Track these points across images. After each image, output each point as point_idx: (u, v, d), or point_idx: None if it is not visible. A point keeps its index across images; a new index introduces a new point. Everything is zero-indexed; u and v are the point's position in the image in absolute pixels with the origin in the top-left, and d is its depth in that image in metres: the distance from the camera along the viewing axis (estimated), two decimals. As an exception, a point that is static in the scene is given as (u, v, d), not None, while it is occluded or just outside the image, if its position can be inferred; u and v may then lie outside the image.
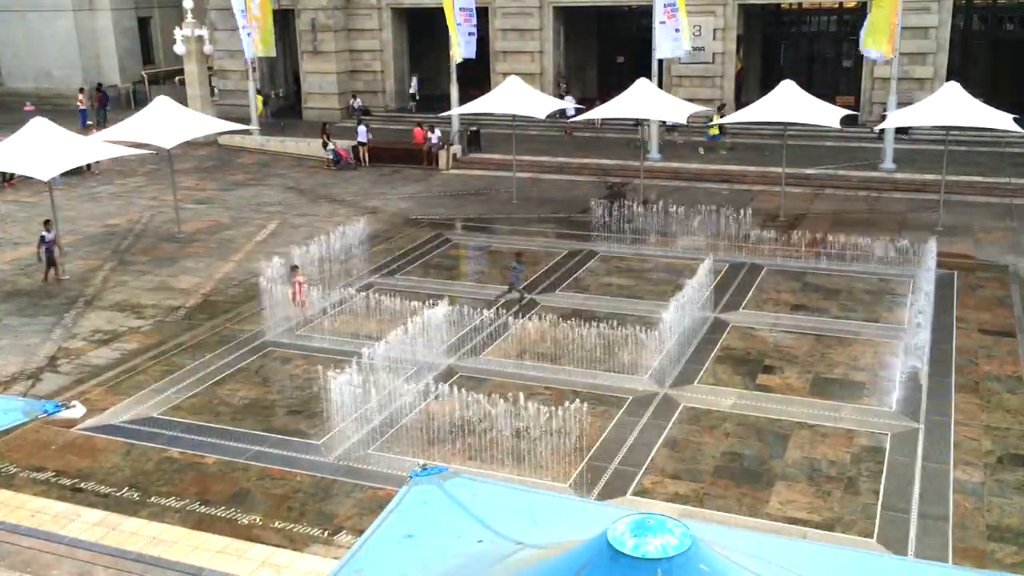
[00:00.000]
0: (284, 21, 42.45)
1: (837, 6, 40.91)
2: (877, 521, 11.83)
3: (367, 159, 34.14)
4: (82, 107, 41.62)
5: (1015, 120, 24.00)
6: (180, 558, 11.35)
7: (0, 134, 25.36)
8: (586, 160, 32.82)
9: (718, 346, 17.42)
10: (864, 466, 13.10)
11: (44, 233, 21.57)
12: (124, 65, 48.26)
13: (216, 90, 42.92)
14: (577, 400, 13.66)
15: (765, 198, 27.86)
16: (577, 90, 40.35)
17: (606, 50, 43.50)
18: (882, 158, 30.24)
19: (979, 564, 10.95)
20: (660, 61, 31.90)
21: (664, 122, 31.56)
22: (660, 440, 13.94)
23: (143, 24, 49.69)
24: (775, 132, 29.09)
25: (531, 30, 39.34)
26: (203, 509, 12.41)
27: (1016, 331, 17.95)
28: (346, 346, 17.50)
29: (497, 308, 18.78)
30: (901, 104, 29.19)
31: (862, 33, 29.13)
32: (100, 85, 44.69)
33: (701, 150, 33.14)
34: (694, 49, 36.23)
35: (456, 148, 34.13)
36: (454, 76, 33.66)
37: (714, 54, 36.86)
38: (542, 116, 28.98)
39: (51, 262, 21.65)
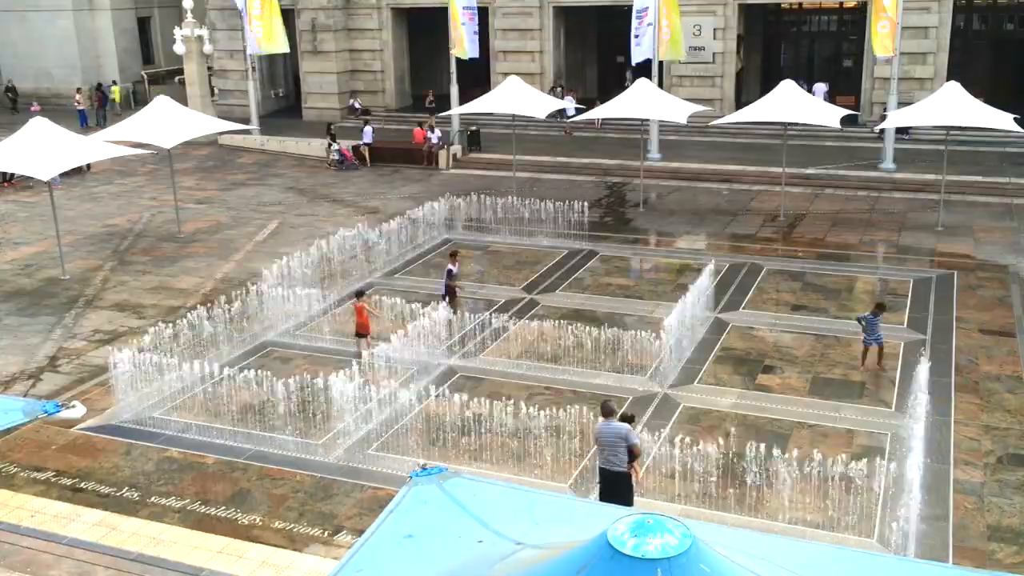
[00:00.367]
0: (284, 21, 42.40)
1: (837, 6, 40.88)
2: (877, 521, 11.83)
3: (368, 159, 34.13)
4: (80, 107, 41.62)
5: (1015, 120, 24.00)
6: (180, 558, 11.35)
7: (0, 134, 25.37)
8: (586, 160, 32.83)
9: (718, 346, 17.42)
10: (864, 466, 13.08)
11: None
12: (124, 65, 48.26)
13: (216, 90, 42.94)
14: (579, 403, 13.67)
15: (765, 198, 27.87)
16: (577, 90, 40.33)
17: (606, 50, 43.50)
18: (882, 158, 30.24)
19: (979, 564, 10.94)
20: (660, 62, 31.93)
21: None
22: (660, 440, 13.92)
23: (143, 24, 49.69)
24: (775, 132, 29.08)
25: (531, 30, 39.35)
26: (203, 509, 12.41)
27: (1016, 331, 17.94)
28: (346, 346, 17.50)
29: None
30: (901, 104, 29.19)
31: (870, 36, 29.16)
32: (100, 85, 44.71)
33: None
34: (694, 49, 36.31)
35: (456, 148, 34.14)
36: (454, 76, 33.67)
37: (714, 54, 36.86)
38: (542, 116, 29.01)
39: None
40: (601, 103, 29.99)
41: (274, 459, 13.65)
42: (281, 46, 36.50)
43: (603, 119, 32.45)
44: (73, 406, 10.65)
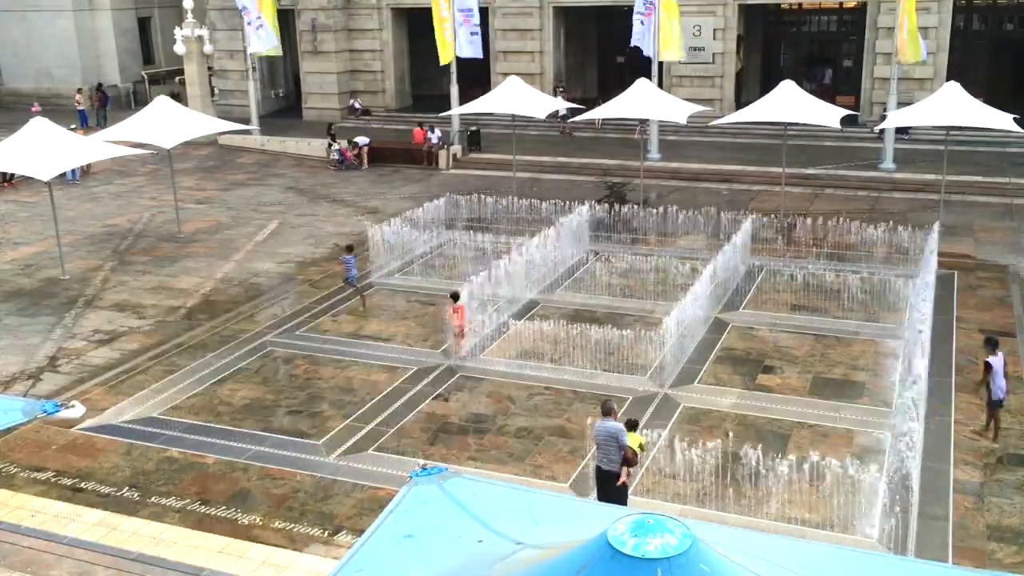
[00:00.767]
0: (284, 21, 42.44)
1: (837, 6, 40.88)
2: (877, 521, 11.83)
3: (367, 160, 34.10)
4: (80, 107, 41.63)
5: (1015, 120, 24.00)
6: (180, 558, 11.35)
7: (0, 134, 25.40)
8: (586, 160, 32.82)
9: (718, 346, 17.43)
10: (864, 466, 13.08)
11: None
12: (124, 65, 48.26)
13: (216, 90, 42.94)
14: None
15: (765, 198, 27.85)
16: (578, 90, 40.35)
17: (606, 50, 43.50)
18: (882, 158, 30.24)
19: (979, 564, 10.94)
20: (660, 62, 31.93)
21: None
22: (660, 440, 13.93)
23: (143, 24, 49.67)
24: (775, 132, 29.08)
25: (531, 30, 39.34)
26: (203, 509, 12.41)
27: (1016, 331, 17.94)
28: (347, 346, 17.52)
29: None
30: (901, 104, 29.19)
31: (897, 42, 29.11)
32: (100, 85, 44.70)
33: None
34: (694, 49, 36.30)
35: (456, 148, 34.13)
36: (454, 76, 33.67)
37: (714, 54, 36.85)
38: (542, 116, 29.02)
39: None
40: (601, 103, 29.98)
41: (272, 459, 13.64)
42: (275, 49, 36.66)
43: (603, 119, 32.44)
44: (72, 406, 10.65)
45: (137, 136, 25.19)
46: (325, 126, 36.12)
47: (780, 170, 27.07)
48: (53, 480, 13.12)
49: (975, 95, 25.09)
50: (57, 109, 42.25)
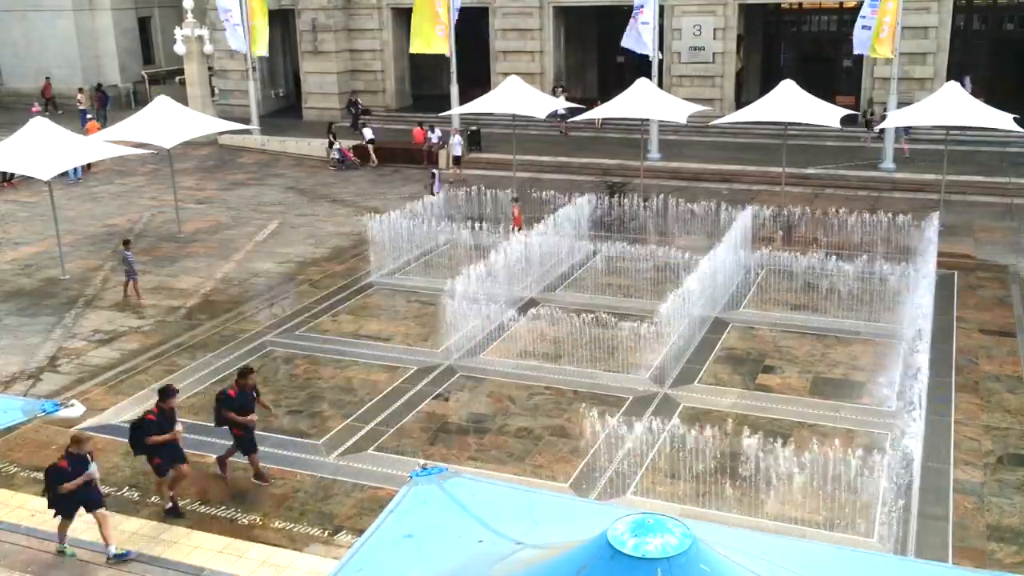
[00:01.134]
0: (284, 21, 42.48)
1: (837, 6, 40.88)
2: (877, 521, 11.83)
3: (375, 157, 34.06)
4: (82, 107, 41.65)
5: (1015, 120, 23.99)
6: (180, 558, 11.35)
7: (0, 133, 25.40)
8: (586, 160, 32.82)
9: (718, 346, 17.42)
10: (864, 466, 13.08)
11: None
12: (124, 65, 48.25)
13: (216, 90, 42.94)
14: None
15: (765, 198, 27.82)
16: (578, 90, 40.33)
17: (606, 50, 43.49)
18: (882, 158, 30.24)
19: (979, 564, 10.94)
20: (660, 61, 31.96)
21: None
22: (660, 439, 13.93)
23: (143, 24, 49.66)
24: (775, 132, 29.08)
25: (531, 30, 39.33)
26: (203, 509, 12.41)
27: (1016, 331, 17.95)
28: (347, 346, 17.51)
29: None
30: (901, 104, 29.18)
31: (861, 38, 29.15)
32: (100, 85, 44.70)
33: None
34: (694, 49, 36.30)
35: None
36: (454, 76, 33.66)
37: (714, 54, 36.84)
38: (542, 116, 29.02)
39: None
40: (601, 103, 29.98)
41: (272, 458, 13.62)
42: (262, 49, 36.74)
43: (603, 119, 32.44)
44: (72, 405, 10.67)
45: (137, 136, 25.19)
46: (325, 126, 36.13)
47: (780, 170, 27.07)
48: (53, 480, 13.10)
49: (975, 95, 25.07)
50: (58, 109, 42.25)
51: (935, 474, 12.88)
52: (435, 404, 15.32)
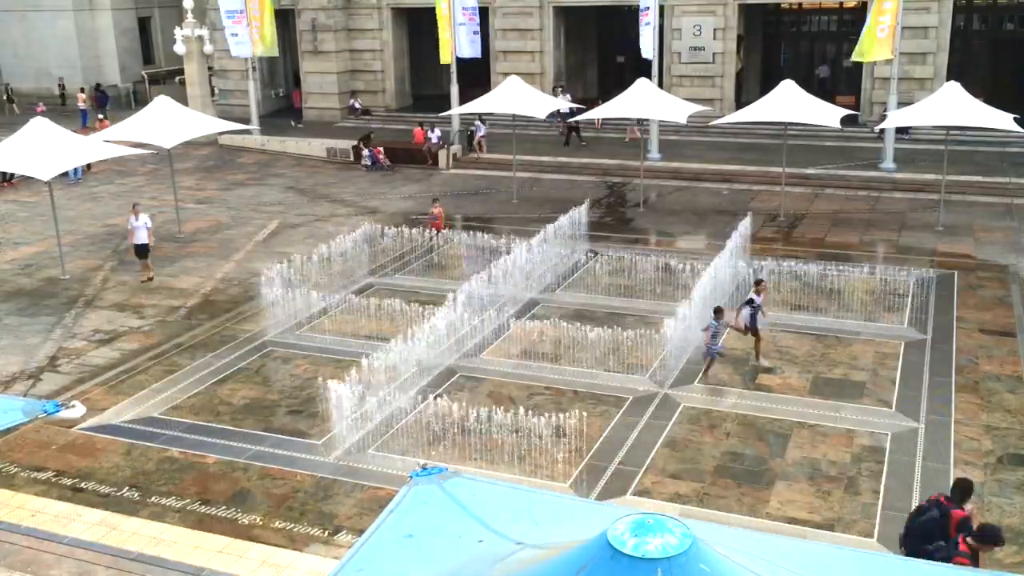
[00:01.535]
0: (284, 21, 42.47)
1: (837, 6, 40.90)
2: (877, 521, 11.83)
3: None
4: (82, 107, 41.70)
5: (1015, 120, 23.99)
6: (180, 558, 11.35)
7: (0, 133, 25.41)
8: (586, 160, 32.83)
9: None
10: (864, 466, 13.10)
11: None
12: (124, 65, 48.27)
13: (216, 90, 42.95)
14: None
15: (765, 198, 27.86)
16: (578, 90, 40.33)
17: (606, 50, 43.50)
18: (882, 158, 30.23)
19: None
20: (660, 61, 31.96)
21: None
22: (660, 440, 13.95)
23: (143, 24, 49.69)
24: (775, 132, 29.08)
25: (531, 30, 39.34)
26: (203, 509, 12.41)
27: (1016, 331, 17.94)
28: (346, 347, 17.50)
29: None
30: (901, 104, 29.18)
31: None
32: (99, 85, 44.72)
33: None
34: (694, 49, 36.28)
35: (456, 148, 34.13)
36: (454, 76, 33.66)
37: (714, 54, 36.85)
38: (542, 116, 29.02)
39: None
40: (601, 103, 29.99)
41: (272, 458, 13.62)
42: (272, 50, 36.74)
43: (603, 119, 32.43)
44: (73, 406, 10.65)
45: (137, 136, 25.18)
46: (325, 126, 36.02)
47: (780, 170, 27.07)
48: (53, 480, 13.12)
49: (975, 95, 25.06)
50: (57, 109, 42.26)
51: (935, 474, 12.88)
52: (435, 404, 15.29)
